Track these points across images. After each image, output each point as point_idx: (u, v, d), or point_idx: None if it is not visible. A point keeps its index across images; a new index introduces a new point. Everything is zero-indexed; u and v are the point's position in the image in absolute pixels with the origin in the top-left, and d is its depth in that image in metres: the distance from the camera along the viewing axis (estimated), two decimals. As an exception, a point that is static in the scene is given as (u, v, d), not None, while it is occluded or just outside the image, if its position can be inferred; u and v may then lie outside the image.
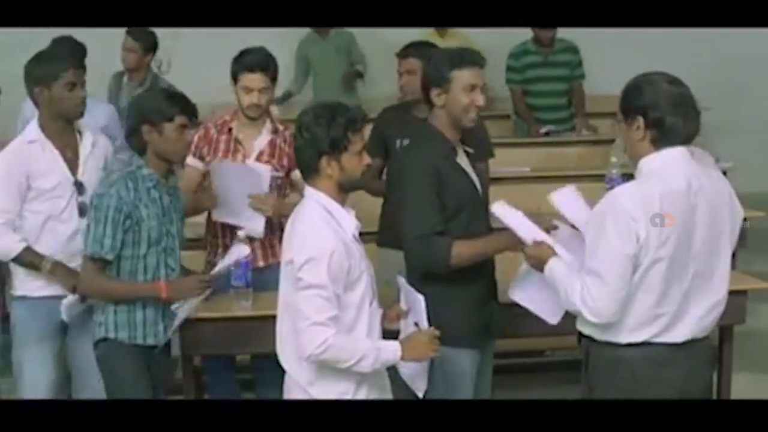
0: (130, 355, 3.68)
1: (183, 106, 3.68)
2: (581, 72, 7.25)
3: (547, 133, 6.98)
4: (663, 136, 3.10)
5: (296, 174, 4.34)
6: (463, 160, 3.67)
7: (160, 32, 6.59)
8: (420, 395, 3.48)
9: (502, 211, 3.41)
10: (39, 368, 4.04)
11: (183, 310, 3.70)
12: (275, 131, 4.44)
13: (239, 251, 3.80)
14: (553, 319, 3.50)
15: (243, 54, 4.32)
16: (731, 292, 4.21)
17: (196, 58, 7.93)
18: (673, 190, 3.06)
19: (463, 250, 3.48)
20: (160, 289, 3.66)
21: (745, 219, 5.60)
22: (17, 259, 3.95)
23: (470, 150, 3.73)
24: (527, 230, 3.37)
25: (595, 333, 3.18)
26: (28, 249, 3.92)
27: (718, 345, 4.66)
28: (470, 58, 3.58)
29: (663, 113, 3.08)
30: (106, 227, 3.58)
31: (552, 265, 3.26)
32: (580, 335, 3.27)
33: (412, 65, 4.60)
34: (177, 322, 3.74)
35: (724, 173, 5.67)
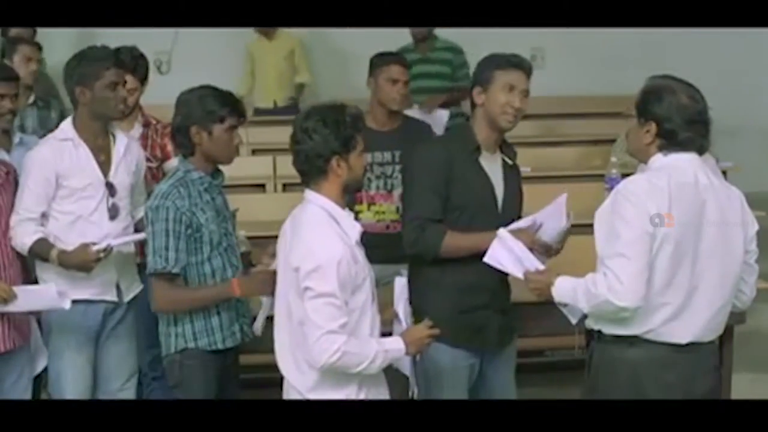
0: (211, 362, 3.61)
1: (233, 106, 3.58)
2: (465, 73, 6.73)
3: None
4: (672, 147, 3.12)
5: (168, 165, 4.53)
6: (489, 163, 3.66)
7: (159, 32, 6.58)
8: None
9: (506, 238, 3.40)
10: (80, 378, 3.96)
11: (261, 313, 3.62)
12: (147, 124, 4.63)
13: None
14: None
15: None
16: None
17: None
18: (681, 181, 3.07)
19: (454, 241, 3.52)
20: (233, 289, 3.54)
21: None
22: (33, 252, 3.84)
23: (509, 160, 3.74)
24: (527, 260, 3.36)
25: (604, 326, 3.16)
26: (41, 240, 3.82)
27: (718, 345, 4.66)
28: (515, 61, 3.62)
29: (677, 127, 3.09)
30: (167, 240, 3.49)
31: (558, 285, 3.23)
32: (588, 339, 3.27)
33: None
34: (259, 323, 3.63)
35: (724, 173, 5.72)
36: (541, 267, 3.35)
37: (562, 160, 6.68)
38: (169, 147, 4.56)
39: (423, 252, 3.57)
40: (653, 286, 3.05)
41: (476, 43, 6.58)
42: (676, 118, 3.09)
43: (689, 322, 3.11)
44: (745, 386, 4.80)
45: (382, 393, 3.34)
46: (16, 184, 3.94)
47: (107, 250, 3.79)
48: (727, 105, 4.82)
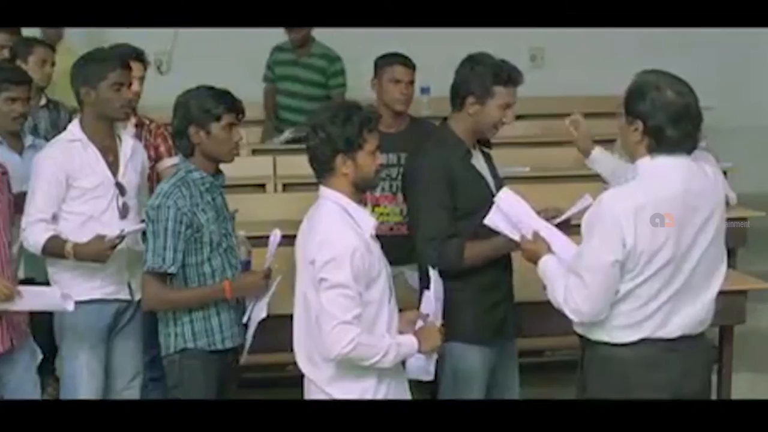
0: (209, 363, 3.62)
1: (230, 103, 3.58)
2: (339, 82, 6.81)
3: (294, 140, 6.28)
4: (660, 146, 3.05)
5: (161, 165, 4.55)
6: (479, 162, 3.71)
7: (159, 32, 6.56)
8: (429, 378, 3.46)
9: (508, 199, 3.41)
10: (93, 379, 3.99)
11: (255, 312, 3.63)
12: (139, 125, 4.61)
13: (274, 237, 3.65)
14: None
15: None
16: (731, 292, 4.22)
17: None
18: (668, 196, 3.02)
19: (474, 251, 3.54)
20: (224, 291, 3.56)
21: (745, 219, 5.67)
22: (47, 250, 3.85)
23: (488, 150, 3.78)
24: (530, 222, 3.37)
25: (587, 332, 3.17)
26: (54, 237, 3.84)
27: (718, 345, 4.67)
28: (515, 76, 3.63)
29: (663, 124, 3.02)
30: (166, 240, 3.50)
31: (544, 262, 3.26)
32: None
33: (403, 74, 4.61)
34: (253, 325, 3.64)
35: (725, 173, 5.71)
36: (542, 230, 3.33)
37: (562, 160, 6.66)
38: (162, 147, 4.59)
39: (446, 268, 3.56)
40: (638, 304, 3.05)
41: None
42: (660, 115, 3.01)
43: (677, 319, 3.09)
44: (745, 386, 4.81)
45: (401, 386, 3.36)
46: (9, 185, 3.93)
47: (121, 237, 3.79)
48: (727, 105, 4.84)
